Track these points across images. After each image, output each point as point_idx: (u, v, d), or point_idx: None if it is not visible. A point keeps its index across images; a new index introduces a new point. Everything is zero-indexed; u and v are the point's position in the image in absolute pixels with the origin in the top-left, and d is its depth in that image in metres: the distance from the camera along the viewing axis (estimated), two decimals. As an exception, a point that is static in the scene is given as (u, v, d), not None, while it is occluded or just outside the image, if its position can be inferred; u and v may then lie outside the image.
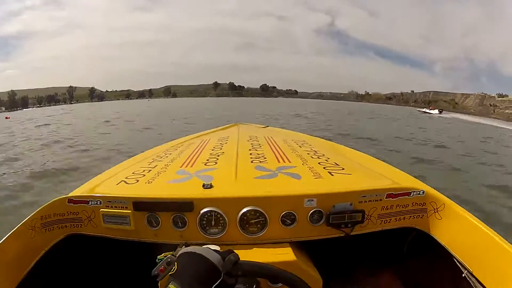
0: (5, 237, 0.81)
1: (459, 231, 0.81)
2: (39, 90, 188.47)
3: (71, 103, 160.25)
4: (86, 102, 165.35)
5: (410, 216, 0.89)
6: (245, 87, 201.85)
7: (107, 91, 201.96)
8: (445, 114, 39.19)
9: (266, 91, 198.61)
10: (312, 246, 0.86)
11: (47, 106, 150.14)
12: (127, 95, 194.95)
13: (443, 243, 0.84)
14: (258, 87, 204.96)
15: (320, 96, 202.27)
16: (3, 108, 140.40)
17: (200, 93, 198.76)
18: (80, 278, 1.03)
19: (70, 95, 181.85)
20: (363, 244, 1.05)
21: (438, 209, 0.87)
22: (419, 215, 0.89)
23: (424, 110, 45.97)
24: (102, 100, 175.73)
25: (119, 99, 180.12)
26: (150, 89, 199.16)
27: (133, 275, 1.10)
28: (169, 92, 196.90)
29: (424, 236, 0.90)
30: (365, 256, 1.12)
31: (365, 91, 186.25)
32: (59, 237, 0.92)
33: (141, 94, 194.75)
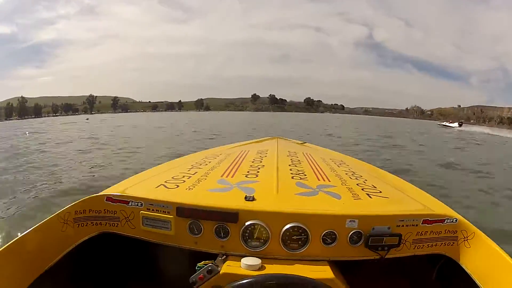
0: (35, 226, 0.84)
1: (486, 261, 0.85)
2: (71, 98, 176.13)
3: (92, 113, 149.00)
4: (110, 112, 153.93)
5: (442, 243, 0.92)
6: (288, 100, 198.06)
7: (137, 101, 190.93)
8: (464, 128, 40.91)
9: (311, 105, 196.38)
10: (344, 266, 0.89)
11: (63, 115, 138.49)
12: (154, 106, 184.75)
13: (469, 271, 0.88)
14: (302, 100, 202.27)
15: (367, 112, 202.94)
16: (16, 116, 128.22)
17: (237, 107, 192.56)
18: (107, 276, 1.07)
19: (90, 105, 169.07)
20: (393, 268, 1.08)
21: (468, 238, 0.91)
22: (450, 243, 0.92)
23: (444, 123, 47.74)
24: (126, 111, 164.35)
25: (145, 111, 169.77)
26: (179, 101, 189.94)
27: (162, 278, 1.16)
28: (201, 104, 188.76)
29: (451, 264, 0.93)
30: (394, 279, 1.14)
31: (414, 107, 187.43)
32: (91, 233, 0.96)
33: (170, 106, 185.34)
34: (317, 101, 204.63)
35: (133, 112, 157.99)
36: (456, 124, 43.64)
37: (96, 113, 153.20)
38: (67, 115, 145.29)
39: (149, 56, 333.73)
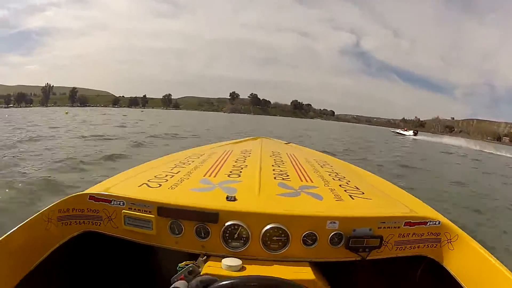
0: (19, 225, 0.87)
1: (470, 262, 0.90)
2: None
3: (47, 106, 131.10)
4: (68, 105, 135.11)
5: (424, 245, 0.98)
6: (272, 102, 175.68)
7: (114, 95, 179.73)
8: (420, 137, 42.36)
9: (299, 109, 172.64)
10: (326, 268, 0.94)
11: (16, 107, 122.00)
12: (115, 101, 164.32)
13: (453, 273, 0.93)
14: (289, 103, 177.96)
15: (356, 119, 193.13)
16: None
17: (213, 106, 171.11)
18: (91, 275, 1.12)
19: (45, 96, 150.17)
20: (375, 269, 1.14)
21: (452, 240, 0.96)
22: (433, 245, 0.98)
23: (398, 131, 48.50)
24: (85, 105, 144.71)
25: (107, 106, 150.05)
26: (144, 95, 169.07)
27: (144, 278, 1.21)
28: (169, 101, 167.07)
29: (435, 266, 0.99)
30: (376, 281, 1.20)
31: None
32: (75, 232, 0.99)
33: (134, 101, 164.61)
34: (307, 104, 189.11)
35: (92, 106, 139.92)
36: (410, 133, 44.09)
37: (52, 105, 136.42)
38: (20, 107, 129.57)
39: (134, 49, 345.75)
